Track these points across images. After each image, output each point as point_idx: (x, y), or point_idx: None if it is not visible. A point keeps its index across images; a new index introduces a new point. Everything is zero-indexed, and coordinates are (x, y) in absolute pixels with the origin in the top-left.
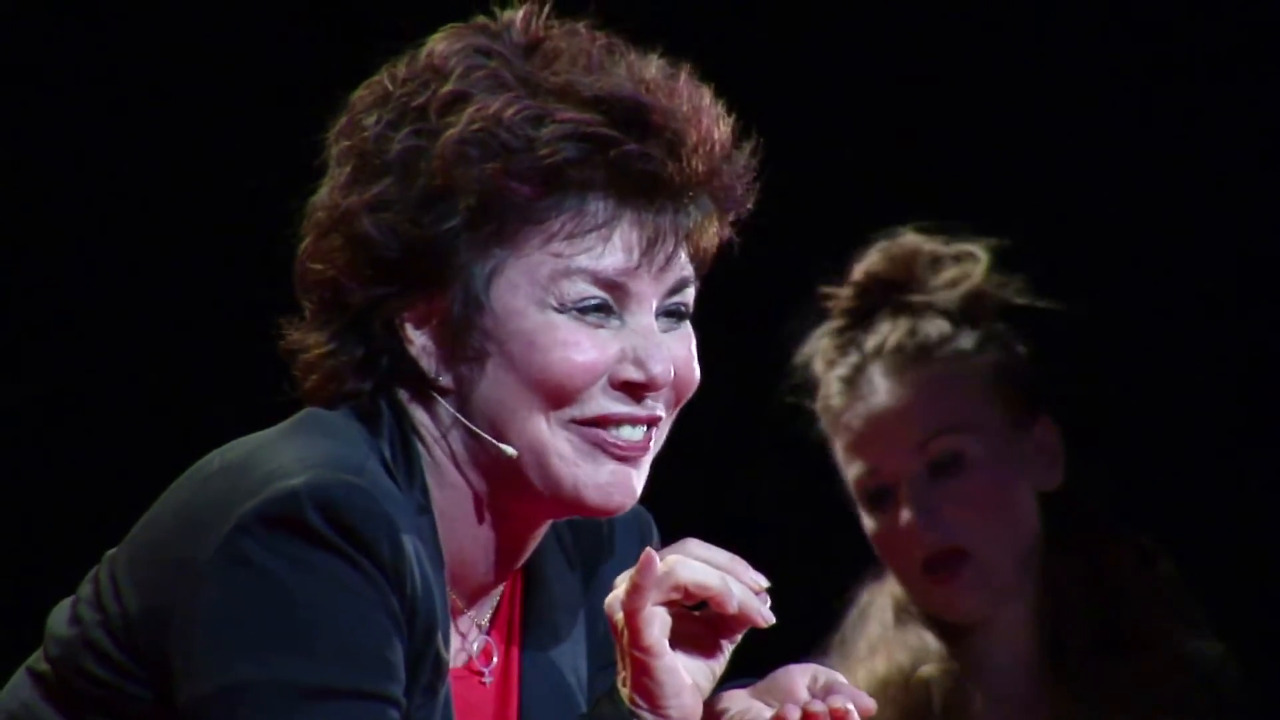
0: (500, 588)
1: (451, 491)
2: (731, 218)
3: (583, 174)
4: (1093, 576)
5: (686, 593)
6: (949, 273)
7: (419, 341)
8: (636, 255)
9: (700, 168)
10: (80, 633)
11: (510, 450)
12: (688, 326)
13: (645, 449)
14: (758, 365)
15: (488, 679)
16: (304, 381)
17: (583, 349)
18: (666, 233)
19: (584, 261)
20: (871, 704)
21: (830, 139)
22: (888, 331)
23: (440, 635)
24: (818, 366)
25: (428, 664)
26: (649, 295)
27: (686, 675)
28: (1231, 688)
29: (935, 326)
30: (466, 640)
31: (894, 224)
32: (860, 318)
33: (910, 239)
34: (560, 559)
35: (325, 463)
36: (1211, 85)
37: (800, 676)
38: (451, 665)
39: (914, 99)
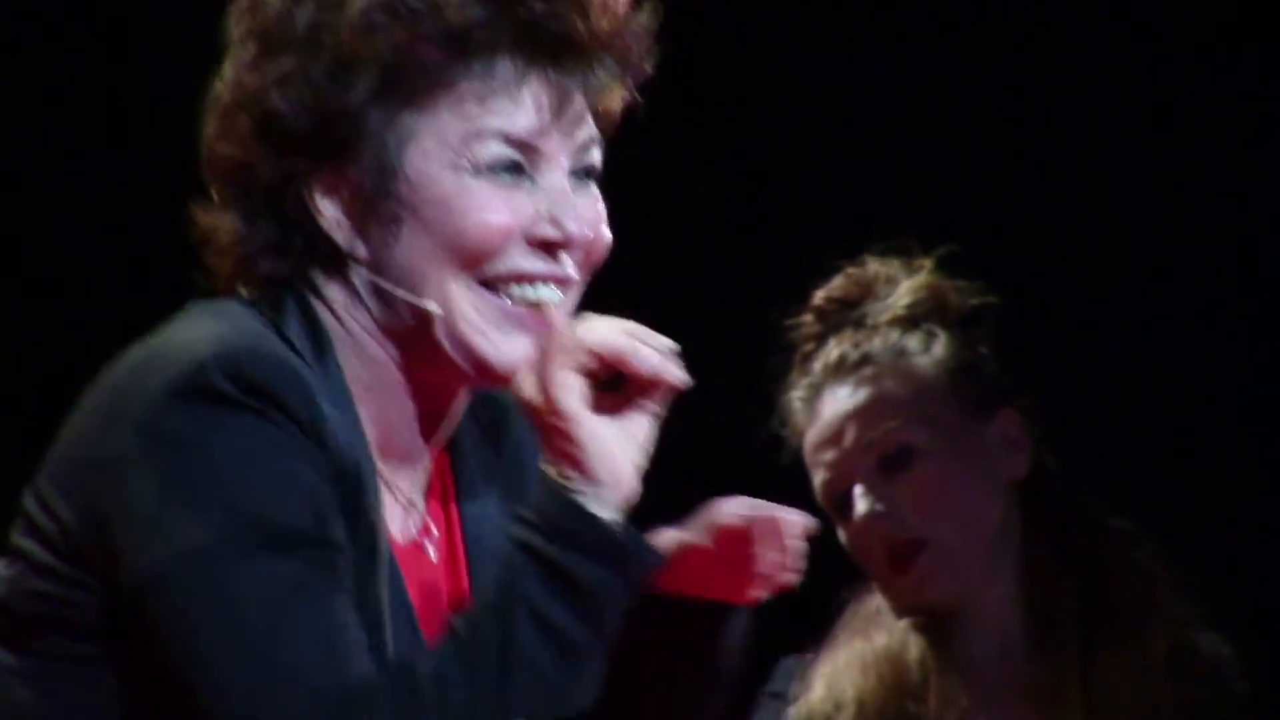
0: (428, 463)
1: (369, 363)
2: (630, 80)
3: (490, 35)
4: (1077, 564)
5: (601, 362)
6: (900, 285)
7: (330, 214)
8: (547, 115)
9: (606, 26)
10: (19, 563)
11: (435, 307)
12: (595, 188)
13: (549, 323)
14: (754, 378)
15: (432, 553)
16: (218, 268)
17: (497, 210)
18: (574, 92)
19: (495, 122)
20: (813, 522)
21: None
22: (834, 347)
23: (370, 495)
24: (785, 393)
25: (363, 524)
26: (559, 155)
27: (612, 442)
28: (1239, 684)
29: (881, 335)
30: (407, 517)
31: (894, 236)
32: (821, 341)
33: (871, 263)
34: (476, 433)
35: (228, 336)
36: (1177, 81)
37: (731, 504)
38: (398, 543)
39: (893, 106)
